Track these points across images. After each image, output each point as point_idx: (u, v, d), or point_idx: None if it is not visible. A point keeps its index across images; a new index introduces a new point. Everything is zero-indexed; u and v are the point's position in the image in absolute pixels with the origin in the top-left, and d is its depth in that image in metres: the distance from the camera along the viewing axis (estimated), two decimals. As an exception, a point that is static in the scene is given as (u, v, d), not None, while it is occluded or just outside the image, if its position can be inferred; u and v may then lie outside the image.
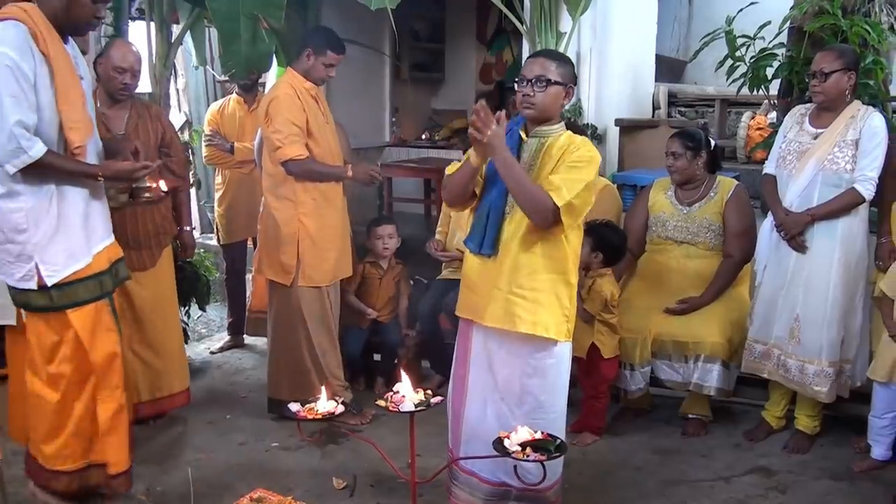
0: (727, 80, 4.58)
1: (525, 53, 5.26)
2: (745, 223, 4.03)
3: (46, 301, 2.80)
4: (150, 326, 4.00)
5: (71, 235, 2.82)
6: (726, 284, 4.03)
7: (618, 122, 5.37)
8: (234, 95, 5.31)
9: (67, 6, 2.74)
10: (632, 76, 5.64)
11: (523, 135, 2.87)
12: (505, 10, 4.84)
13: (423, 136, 8.38)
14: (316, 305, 4.02)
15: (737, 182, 4.14)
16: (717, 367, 3.87)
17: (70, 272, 2.81)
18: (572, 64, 2.94)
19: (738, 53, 4.47)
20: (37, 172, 2.69)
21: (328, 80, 4.04)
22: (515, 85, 2.87)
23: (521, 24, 4.95)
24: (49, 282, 2.77)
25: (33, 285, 2.77)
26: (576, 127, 4.24)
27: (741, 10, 4.47)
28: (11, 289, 2.83)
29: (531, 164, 2.82)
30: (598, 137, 5.21)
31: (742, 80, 4.48)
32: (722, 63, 4.56)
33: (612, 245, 3.87)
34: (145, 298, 3.93)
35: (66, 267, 2.80)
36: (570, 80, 2.85)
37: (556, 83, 2.79)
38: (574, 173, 2.70)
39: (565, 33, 4.90)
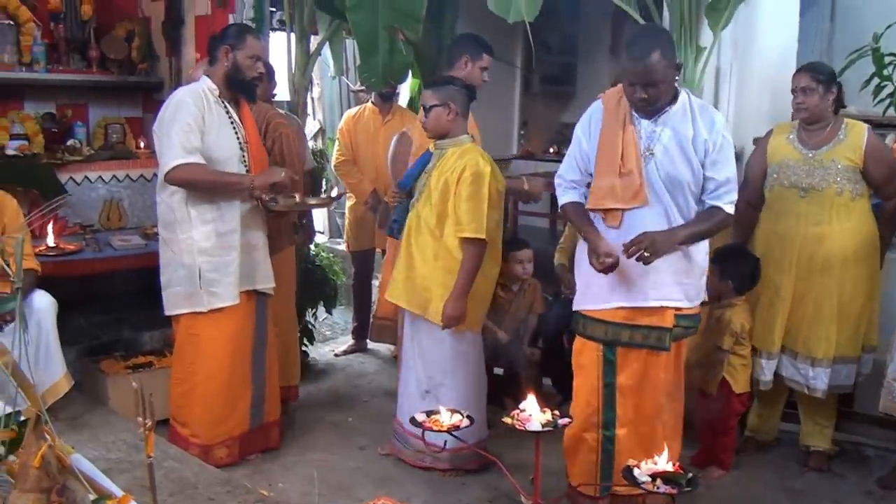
0: (873, 100, 4.35)
1: (662, 68, 5.14)
2: (889, 169, 3.70)
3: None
4: None
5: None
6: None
7: (756, 141, 5.17)
8: (369, 104, 5.40)
9: None
10: (771, 93, 5.41)
11: (431, 147, 3.66)
12: (643, 22, 4.74)
13: (551, 150, 8.29)
14: None
15: (867, 125, 3.79)
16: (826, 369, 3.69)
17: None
18: (449, 81, 3.65)
19: (885, 72, 4.23)
20: None
21: (481, 85, 4.07)
22: None
23: (660, 38, 4.84)
24: None
25: None
26: None
27: (889, 26, 4.23)
28: None
29: (432, 170, 3.57)
30: (735, 156, 5.02)
31: (889, 100, 4.24)
32: (868, 82, 4.33)
33: (742, 272, 3.70)
34: None
35: None
36: (448, 97, 3.53)
37: (434, 106, 3.52)
38: (471, 202, 3.44)
39: (705, 48, 4.77)
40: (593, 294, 3.08)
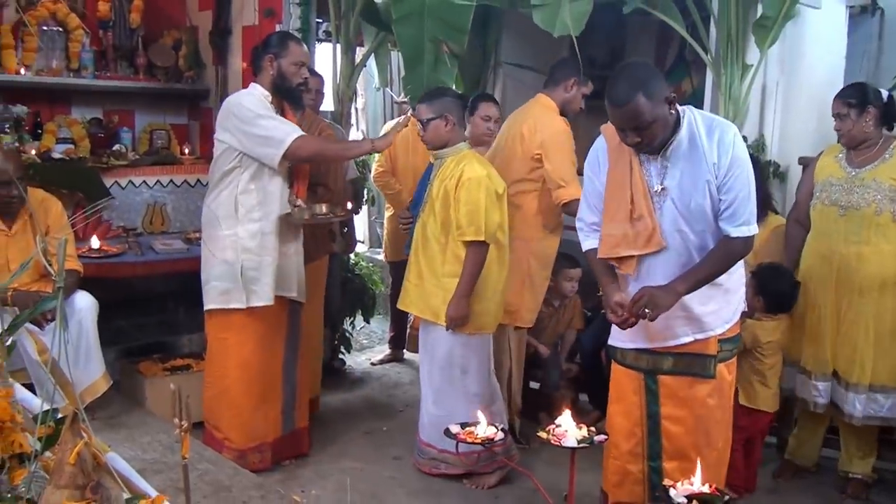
0: (921, 120, 4.23)
1: (708, 85, 5.10)
2: None
3: None
4: None
5: None
6: None
7: (801, 160, 5.09)
8: (409, 115, 5.41)
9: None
10: (817, 112, 5.33)
11: (432, 158, 3.76)
12: (689, 39, 4.72)
13: (594, 164, 8.26)
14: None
15: None
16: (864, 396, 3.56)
17: None
18: (442, 92, 3.72)
19: (933, 92, 4.11)
20: None
21: (579, 110, 4.09)
22: None
23: (706, 53, 4.80)
24: None
25: None
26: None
27: (938, 46, 4.13)
28: None
29: (433, 180, 3.66)
30: (780, 176, 4.95)
31: (937, 123, 4.12)
32: (916, 103, 4.22)
33: (774, 291, 3.61)
34: None
35: None
36: (444, 109, 3.57)
37: (431, 119, 3.58)
38: (469, 206, 3.47)
39: (752, 66, 4.72)
40: (630, 332, 2.90)
